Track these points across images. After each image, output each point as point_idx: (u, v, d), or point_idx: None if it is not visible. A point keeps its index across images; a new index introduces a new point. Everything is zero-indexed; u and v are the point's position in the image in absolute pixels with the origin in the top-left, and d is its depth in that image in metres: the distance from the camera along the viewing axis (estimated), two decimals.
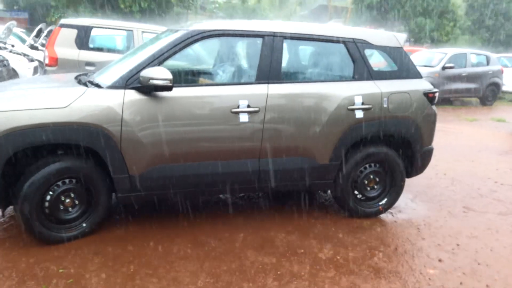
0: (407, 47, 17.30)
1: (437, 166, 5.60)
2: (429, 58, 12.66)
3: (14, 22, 11.37)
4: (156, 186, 3.29)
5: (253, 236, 3.46)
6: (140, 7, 16.21)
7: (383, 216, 3.99)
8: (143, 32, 7.41)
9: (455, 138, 7.82)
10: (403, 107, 3.73)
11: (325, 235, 3.56)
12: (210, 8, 28.31)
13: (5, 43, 11.21)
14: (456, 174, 5.43)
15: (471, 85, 12.39)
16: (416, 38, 23.82)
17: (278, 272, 2.96)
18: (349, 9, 27.03)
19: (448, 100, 12.80)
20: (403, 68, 3.83)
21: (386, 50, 3.81)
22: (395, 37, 3.90)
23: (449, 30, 23.59)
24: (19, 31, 14.60)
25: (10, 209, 3.48)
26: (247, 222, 3.71)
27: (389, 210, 4.06)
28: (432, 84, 4.07)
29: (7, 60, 9.36)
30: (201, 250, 3.20)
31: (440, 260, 3.24)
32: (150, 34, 7.07)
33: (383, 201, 3.91)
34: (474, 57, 12.89)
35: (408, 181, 4.19)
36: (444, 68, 11.85)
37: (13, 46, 11.78)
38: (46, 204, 3.09)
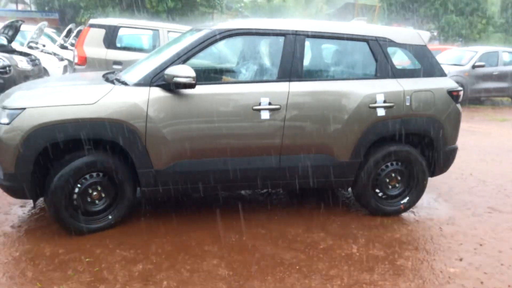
0: (436, 46, 16.97)
1: (463, 166, 5.51)
2: (459, 57, 12.37)
3: (45, 23, 11.75)
4: (179, 181, 3.37)
5: (273, 232, 3.50)
6: (167, 7, 16.47)
7: (404, 215, 3.96)
8: (168, 31, 7.56)
9: (483, 138, 7.64)
10: (426, 105, 3.70)
11: (345, 232, 3.57)
12: (236, 7, 28.49)
13: (37, 43, 11.62)
14: (483, 174, 5.32)
15: (503, 84, 12.03)
16: (446, 36, 23.31)
17: (297, 267, 3.00)
18: (377, 7, 26.69)
19: (478, 100, 12.49)
20: (427, 66, 3.80)
21: (409, 48, 3.78)
22: (418, 35, 3.86)
23: (481, 28, 22.96)
24: (50, 31, 15.07)
25: (41, 200, 3.64)
26: (267, 218, 3.76)
27: (411, 209, 4.03)
28: (461, 83, 4.02)
29: (38, 60, 9.70)
30: (221, 244, 3.27)
31: (461, 259, 3.21)
32: (176, 34, 7.20)
33: (405, 200, 3.88)
34: (507, 55, 12.50)
35: (431, 180, 4.14)
36: (474, 66, 11.56)
37: (44, 46, 12.19)
38: (75, 196, 3.22)
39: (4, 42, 9.46)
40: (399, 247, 3.35)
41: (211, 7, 18.78)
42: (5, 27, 9.10)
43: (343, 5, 31.92)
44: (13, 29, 9.45)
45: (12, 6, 29.87)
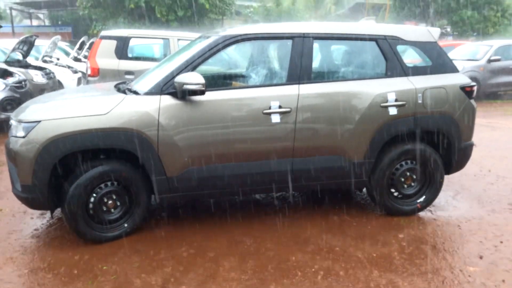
0: (450, 41, 16.73)
1: (481, 162, 5.41)
2: (473, 52, 12.17)
3: (58, 37, 11.98)
4: (193, 187, 3.39)
5: (288, 235, 3.49)
6: (176, 15, 16.64)
7: (421, 214, 3.91)
8: (178, 39, 7.63)
9: (502, 134, 7.49)
10: (439, 102, 3.65)
11: (361, 233, 3.54)
12: (245, 12, 28.60)
13: (51, 57, 11.85)
14: (502, 171, 5.21)
15: None
16: (460, 31, 22.95)
17: (313, 270, 2.98)
18: (387, 6, 26.49)
19: (495, 95, 12.25)
20: (438, 63, 3.75)
21: (419, 46, 3.74)
22: (428, 31, 3.82)
23: (496, 21, 22.54)
24: (64, 44, 15.36)
25: (58, 211, 3.69)
26: (282, 221, 3.75)
27: (428, 208, 3.97)
28: (477, 78, 3.97)
29: (53, 73, 9.89)
30: (236, 249, 3.27)
31: (481, 257, 3.14)
32: (186, 42, 7.25)
33: (421, 199, 3.83)
34: None
35: (449, 178, 4.08)
36: (489, 61, 11.35)
37: (58, 59, 12.43)
38: (90, 205, 3.27)
39: (20, 57, 9.68)
40: (417, 247, 3.30)
41: (220, 14, 18.91)
42: (20, 42, 9.30)
43: (353, 5, 31.78)
44: (28, 44, 9.65)
45: (27, 22, 30.55)
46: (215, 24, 18.17)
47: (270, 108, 3.37)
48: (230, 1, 19.32)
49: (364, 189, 3.95)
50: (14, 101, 7.26)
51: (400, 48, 3.68)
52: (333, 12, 30.70)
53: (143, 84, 3.55)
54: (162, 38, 7.80)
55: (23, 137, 3.13)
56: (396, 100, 3.54)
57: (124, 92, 3.50)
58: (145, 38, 7.92)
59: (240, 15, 27.31)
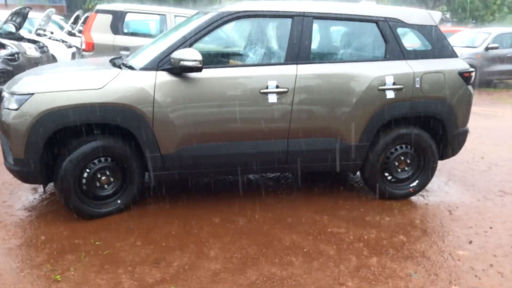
0: (449, 28, 16.62)
1: (475, 149, 5.44)
2: (471, 39, 12.12)
3: (53, 10, 11.73)
4: (187, 165, 3.38)
5: (281, 216, 3.50)
6: None
7: (414, 198, 3.94)
8: (175, 16, 7.50)
9: (496, 122, 7.52)
10: (436, 87, 3.64)
11: (354, 216, 3.56)
12: None
13: (44, 30, 11.63)
14: (495, 158, 5.25)
15: None
16: (459, 18, 22.77)
17: (305, 250, 3.00)
18: None
19: (491, 82, 12.26)
20: (438, 47, 3.72)
21: (419, 29, 3.70)
22: (429, 15, 3.78)
23: (495, 9, 22.40)
24: (58, 18, 15.06)
25: (50, 185, 3.67)
26: (276, 202, 3.76)
27: (421, 193, 4.00)
28: (474, 65, 3.94)
29: (46, 47, 9.72)
30: (229, 228, 3.28)
31: (470, 242, 3.18)
32: (183, 18, 7.13)
33: (414, 183, 3.85)
34: None
35: (442, 164, 4.10)
36: (487, 48, 11.32)
37: (52, 33, 12.20)
38: (84, 181, 3.25)
39: (12, 29, 9.48)
40: (408, 231, 3.33)
41: None
42: (13, 14, 9.10)
43: None
44: (21, 17, 9.44)
45: None
46: (212, 2, 17.89)
47: (267, 87, 3.33)
48: None
49: (358, 172, 3.96)
50: (6, 74, 7.14)
51: (400, 31, 3.63)
52: None
53: (139, 59, 3.49)
54: (159, 14, 7.66)
55: (16, 109, 3.08)
56: (394, 84, 3.52)
57: (119, 67, 3.45)
58: (141, 14, 7.76)
59: None
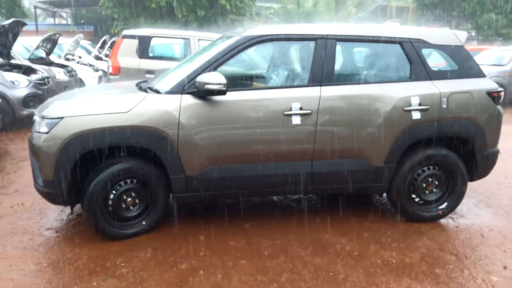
0: (474, 46, 16.38)
1: (506, 170, 5.27)
2: (499, 57, 11.87)
3: (81, 35, 12.17)
4: (211, 187, 3.38)
5: (306, 238, 3.45)
6: (197, 15, 16.73)
7: (443, 221, 3.82)
8: (199, 40, 7.66)
9: None
10: (464, 107, 3.57)
11: (380, 238, 3.48)
12: (265, 14, 28.57)
13: (73, 55, 12.04)
14: None
15: None
16: (485, 36, 22.42)
17: (331, 274, 2.94)
18: (410, 8, 26.14)
19: None
20: (464, 67, 3.67)
21: (445, 49, 3.66)
22: (455, 35, 3.74)
23: None
24: (86, 43, 15.60)
25: (78, 206, 3.73)
26: (299, 224, 3.71)
27: (450, 215, 3.88)
28: (502, 84, 3.85)
29: (75, 71, 10.06)
30: (253, 250, 3.25)
31: (505, 267, 3.05)
32: (206, 42, 7.29)
33: (443, 205, 3.75)
34: None
35: (472, 185, 3.99)
36: None
37: (80, 57, 12.62)
38: (110, 202, 3.29)
39: (43, 54, 9.86)
40: (438, 255, 3.23)
41: (240, 15, 18.94)
42: (44, 40, 9.48)
43: (375, 8, 31.41)
44: (51, 42, 9.83)
45: (50, 20, 31.15)
46: (235, 25, 18.21)
47: (291, 109, 3.34)
48: (251, 2, 19.33)
49: (385, 194, 3.88)
50: (37, 98, 7.39)
51: (425, 51, 3.60)
52: (354, 14, 30.40)
53: (165, 83, 3.56)
54: (183, 38, 7.85)
55: (46, 133, 3.17)
56: (419, 104, 3.47)
57: (145, 90, 3.52)
58: (166, 38, 7.97)
59: (260, 16, 27.29)
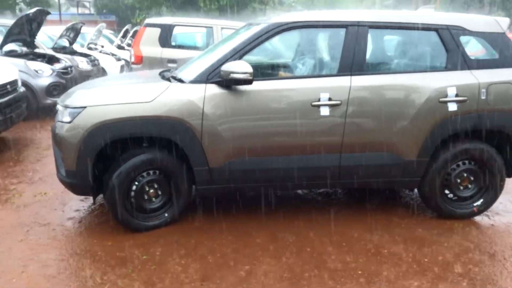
0: (508, 35, 15.73)
1: None
2: None
3: (103, 24, 12.19)
4: (235, 179, 3.29)
5: (333, 234, 3.33)
6: (219, 4, 16.59)
7: (477, 218, 3.64)
8: (222, 28, 7.53)
9: None
10: (505, 99, 3.36)
11: (411, 236, 3.32)
12: (288, 2, 28.16)
13: (96, 44, 12.09)
14: None
15: None
16: None
17: (359, 272, 2.81)
18: None
19: None
20: (506, 56, 3.44)
21: (485, 37, 3.44)
22: (496, 21, 3.51)
23: None
24: (108, 32, 15.67)
25: (100, 196, 3.69)
26: (326, 219, 3.58)
27: (485, 212, 3.68)
28: None
29: (97, 60, 10.09)
30: (278, 245, 3.15)
31: None
32: (229, 30, 7.15)
33: (478, 202, 3.56)
34: None
35: (510, 182, 3.77)
36: None
37: (102, 46, 12.67)
38: (132, 193, 3.23)
39: (66, 44, 9.91)
40: (473, 254, 3.06)
41: (263, 3, 18.71)
42: (67, 29, 9.50)
43: None
44: (74, 31, 9.86)
45: (73, 10, 31.49)
46: (257, 14, 18.00)
47: (319, 100, 3.20)
48: None
49: (416, 189, 3.71)
50: (60, 87, 7.42)
51: (463, 39, 3.39)
52: (378, 3, 29.69)
53: (188, 72, 3.46)
54: (206, 27, 7.73)
55: (69, 122, 3.11)
56: (456, 95, 3.28)
57: (168, 80, 3.43)
58: (189, 26, 7.87)
59: (283, 5, 26.92)
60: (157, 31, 7.33)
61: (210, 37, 7.60)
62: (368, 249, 3.11)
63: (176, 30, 7.47)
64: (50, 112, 6.84)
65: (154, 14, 16.84)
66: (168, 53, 7.25)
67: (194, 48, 7.66)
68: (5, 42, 7.36)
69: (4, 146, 5.74)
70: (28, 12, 7.52)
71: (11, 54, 7.60)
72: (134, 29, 15.21)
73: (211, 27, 7.60)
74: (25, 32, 7.74)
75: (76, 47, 10.50)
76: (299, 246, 3.14)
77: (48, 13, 8.03)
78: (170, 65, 6.85)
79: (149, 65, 7.07)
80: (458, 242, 3.24)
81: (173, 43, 7.45)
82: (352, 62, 3.27)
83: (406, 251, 3.09)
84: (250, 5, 17.82)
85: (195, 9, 16.56)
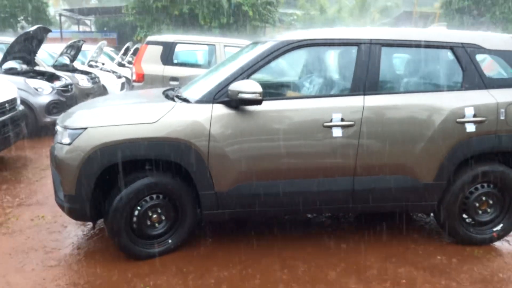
0: None
1: None
2: None
3: (105, 42, 12.15)
4: (243, 204, 3.12)
5: (345, 261, 3.15)
6: (220, 22, 16.62)
7: (497, 244, 3.46)
8: (225, 46, 7.44)
9: None
10: None
11: (428, 263, 3.14)
12: (288, 20, 28.31)
13: (96, 62, 12.02)
14: None
15: None
16: None
17: None
18: (437, 14, 25.51)
19: None
20: None
21: (502, 55, 3.32)
22: None
23: None
24: (109, 50, 15.63)
25: (100, 221, 3.51)
26: (337, 245, 3.40)
27: (505, 238, 3.51)
28: None
29: (98, 78, 9.99)
30: (289, 274, 2.96)
31: None
32: (232, 48, 7.07)
33: (498, 227, 3.39)
34: None
35: None
36: None
37: (103, 64, 12.60)
38: (134, 219, 3.05)
39: (67, 61, 9.82)
40: (495, 283, 2.88)
41: (263, 21, 18.75)
42: (68, 47, 9.43)
43: (401, 14, 30.74)
44: (75, 49, 9.78)
45: (75, 28, 31.63)
46: (257, 32, 18.02)
47: (331, 120, 3.05)
48: (274, 8, 19.13)
49: (432, 214, 3.54)
50: (60, 105, 7.29)
51: (479, 57, 3.27)
52: (377, 20, 29.87)
53: (194, 91, 3.32)
54: (208, 44, 7.64)
55: (69, 144, 2.96)
56: (474, 116, 3.14)
57: (173, 99, 3.29)
58: (191, 44, 7.78)
59: (283, 23, 27.04)
60: (159, 48, 7.24)
61: (212, 55, 7.51)
62: (386, 279, 2.93)
63: (178, 48, 7.38)
64: (50, 130, 6.68)
65: (155, 31, 16.85)
66: (170, 71, 7.14)
67: (197, 66, 7.56)
68: (5, 59, 7.26)
69: (2, 165, 5.57)
70: (28, 29, 7.44)
71: (11, 71, 7.49)
72: (135, 46, 15.19)
73: (214, 45, 7.51)
74: (25, 49, 7.64)
75: (77, 64, 10.42)
76: (312, 276, 2.96)
77: (49, 30, 7.96)
78: (172, 83, 6.74)
79: (151, 83, 6.95)
80: (478, 270, 3.07)
81: (175, 61, 7.35)
82: (365, 81, 3.14)
83: (425, 281, 2.92)
84: (251, 23, 17.85)
85: (196, 27, 16.59)
